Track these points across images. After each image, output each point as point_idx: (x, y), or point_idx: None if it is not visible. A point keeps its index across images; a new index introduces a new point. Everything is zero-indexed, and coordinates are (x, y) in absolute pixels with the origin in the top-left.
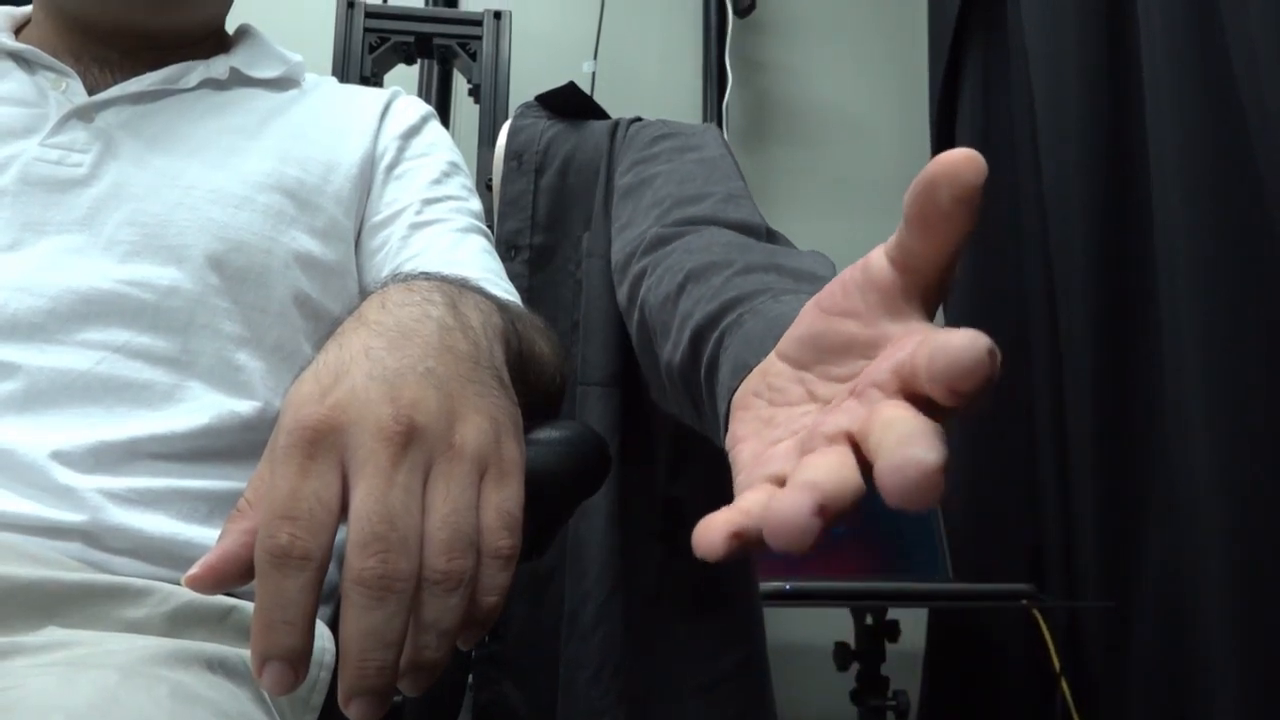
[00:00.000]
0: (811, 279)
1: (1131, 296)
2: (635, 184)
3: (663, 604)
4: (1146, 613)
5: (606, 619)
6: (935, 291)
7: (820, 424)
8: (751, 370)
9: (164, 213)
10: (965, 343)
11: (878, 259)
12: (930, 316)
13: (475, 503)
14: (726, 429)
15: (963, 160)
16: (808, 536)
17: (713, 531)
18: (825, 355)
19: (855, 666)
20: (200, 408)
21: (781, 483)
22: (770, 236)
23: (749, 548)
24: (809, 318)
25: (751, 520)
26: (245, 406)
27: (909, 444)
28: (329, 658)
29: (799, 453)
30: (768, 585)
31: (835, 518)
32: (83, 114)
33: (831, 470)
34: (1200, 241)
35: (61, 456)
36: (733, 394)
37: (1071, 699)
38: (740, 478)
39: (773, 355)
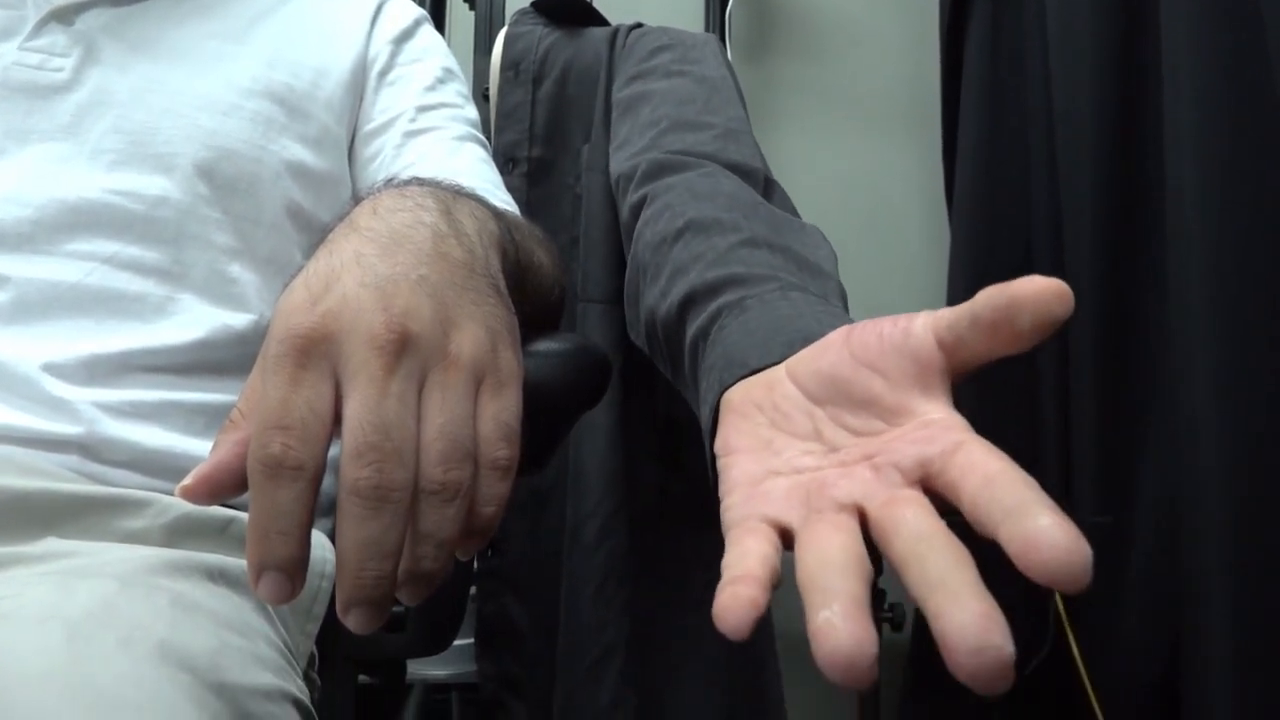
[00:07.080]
0: (817, 273)
1: (1139, 218)
2: (633, 99)
3: (665, 521)
4: (1143, 528)
5: (610, 535)
6: (967, 374)
7: (831, 485)
8: (750, 369)
9: (150, 120)
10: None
11: (923, 331)
12: (952, 397)
13: (472, 413)
14: (715, 420)
15: (1054, 294)
16: (864, 664)
17: (736, 613)
18: (842, 401)
19: None
20: (193, 320)
21: (780, 530)
22: (768, 186)
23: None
24: (835, 355)
25: (766, 592)
26: (239, 320)
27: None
28: (330, 568)
29: (802, 503)
30: None
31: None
32: (62, 16)
33: (849, 570)
34: (1211, 162)
35: (53, 369)
36: (725, 388)
37: (1064, 612)
38: (732, 499)
39: (783, 373)
